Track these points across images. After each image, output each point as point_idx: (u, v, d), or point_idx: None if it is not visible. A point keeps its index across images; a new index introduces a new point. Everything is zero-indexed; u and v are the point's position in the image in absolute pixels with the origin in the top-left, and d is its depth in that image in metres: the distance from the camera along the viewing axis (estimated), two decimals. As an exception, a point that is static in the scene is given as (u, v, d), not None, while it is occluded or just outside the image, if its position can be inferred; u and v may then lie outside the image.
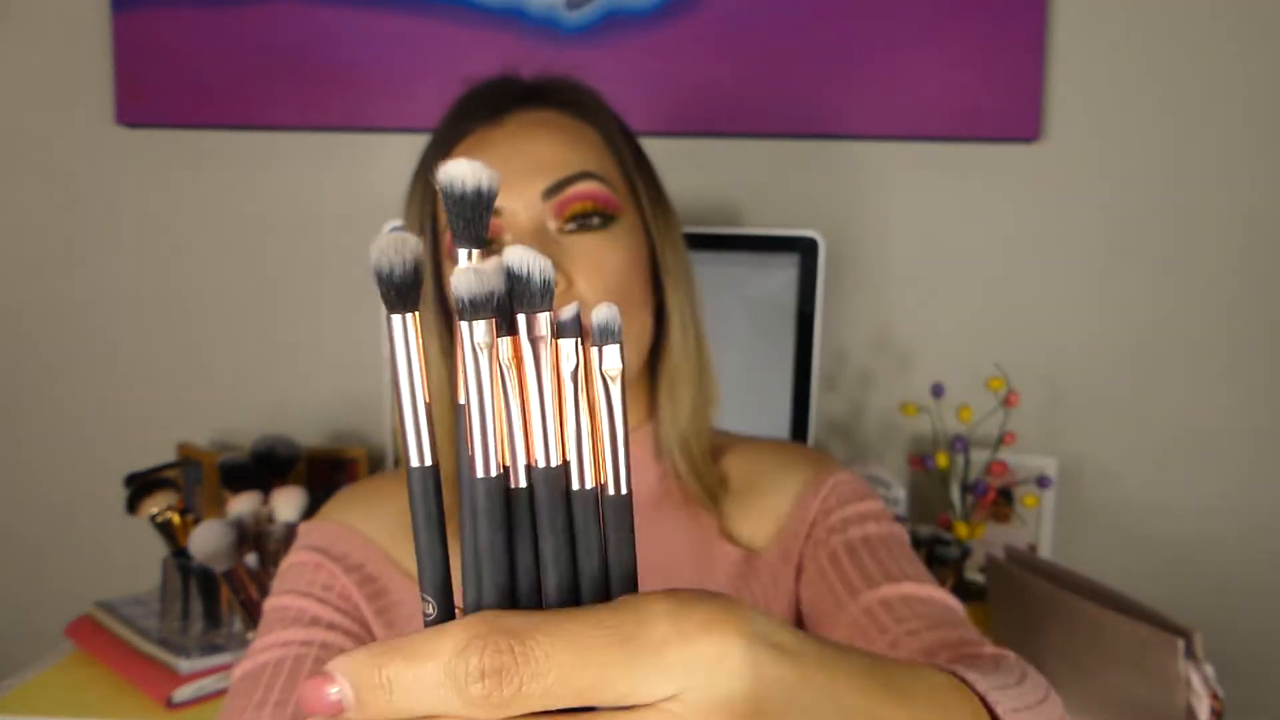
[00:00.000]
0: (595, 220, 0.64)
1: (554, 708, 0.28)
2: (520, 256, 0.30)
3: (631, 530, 0.31)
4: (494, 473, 0.30)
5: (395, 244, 0.30)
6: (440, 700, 0.27)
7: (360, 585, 0.66)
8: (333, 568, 0.66)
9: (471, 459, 0.30)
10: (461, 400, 0.30)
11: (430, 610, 0.31)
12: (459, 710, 0.27)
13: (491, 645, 0.27)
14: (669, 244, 0.70)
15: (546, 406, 0.30)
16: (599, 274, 0.64)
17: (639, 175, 0.70)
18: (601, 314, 0.30)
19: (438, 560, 0.31)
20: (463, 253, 0.31)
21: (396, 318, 0.30)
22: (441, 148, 0.68)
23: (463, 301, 0.29)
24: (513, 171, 0.63)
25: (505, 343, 0.29)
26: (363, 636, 0.64)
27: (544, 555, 0.31)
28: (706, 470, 0.69)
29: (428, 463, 0.31)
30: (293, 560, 0.68)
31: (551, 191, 0.63)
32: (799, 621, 0.69)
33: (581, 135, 0.67)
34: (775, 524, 0.70)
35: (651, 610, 0.29)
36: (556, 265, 0.60)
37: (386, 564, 0.67)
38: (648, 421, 0.71)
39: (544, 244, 0.62)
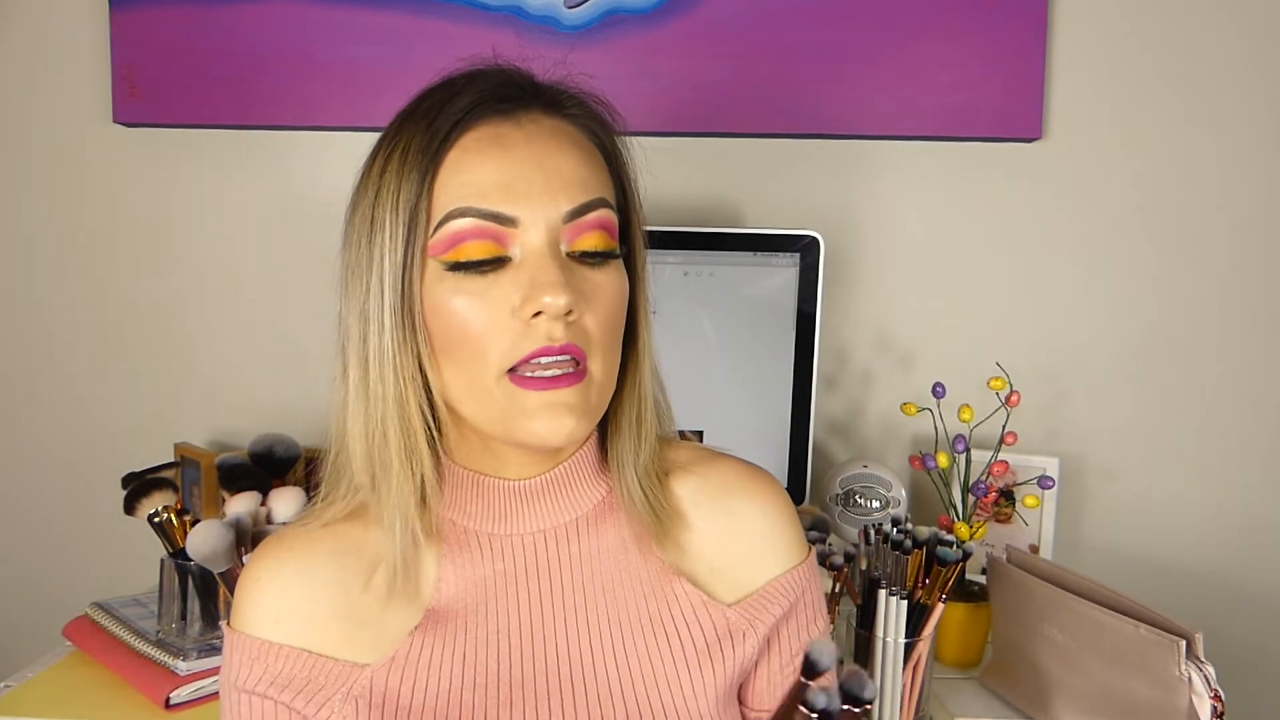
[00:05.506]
0: (602, 256, 0.63)
1: None
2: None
3: None
4: None
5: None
6: None
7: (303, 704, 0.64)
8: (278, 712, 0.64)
9: None
10: None
11: None
12: None
13: None
14: (644, 279, 0.70)
15: None
16: (604, 310, 0.63)
17: (631, 207, 0.69)
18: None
19: None
20: None
21: None
22: (443, 125, 0.63)
23: None
24: (534, 182, 0.61)
25: None
26: None
27: None
28: (656, 494, 0.69)
29: None
30: (237, 706, 0.65)
31: (574, 214, 0.62)
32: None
33: (593, 157, 0.65)
34: (740, 588, 0.70)
35: None
36: (574, 293, 0.60)
37: (314, 663, 0.64)
38: (599, 443, 0.70)
39: (562, 267, 0.60)
